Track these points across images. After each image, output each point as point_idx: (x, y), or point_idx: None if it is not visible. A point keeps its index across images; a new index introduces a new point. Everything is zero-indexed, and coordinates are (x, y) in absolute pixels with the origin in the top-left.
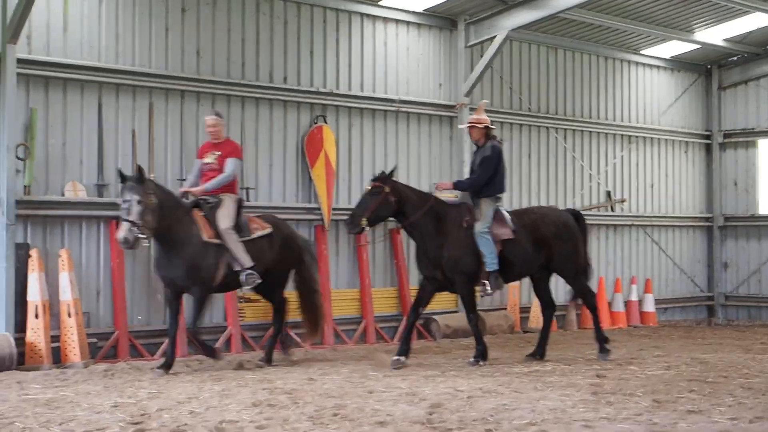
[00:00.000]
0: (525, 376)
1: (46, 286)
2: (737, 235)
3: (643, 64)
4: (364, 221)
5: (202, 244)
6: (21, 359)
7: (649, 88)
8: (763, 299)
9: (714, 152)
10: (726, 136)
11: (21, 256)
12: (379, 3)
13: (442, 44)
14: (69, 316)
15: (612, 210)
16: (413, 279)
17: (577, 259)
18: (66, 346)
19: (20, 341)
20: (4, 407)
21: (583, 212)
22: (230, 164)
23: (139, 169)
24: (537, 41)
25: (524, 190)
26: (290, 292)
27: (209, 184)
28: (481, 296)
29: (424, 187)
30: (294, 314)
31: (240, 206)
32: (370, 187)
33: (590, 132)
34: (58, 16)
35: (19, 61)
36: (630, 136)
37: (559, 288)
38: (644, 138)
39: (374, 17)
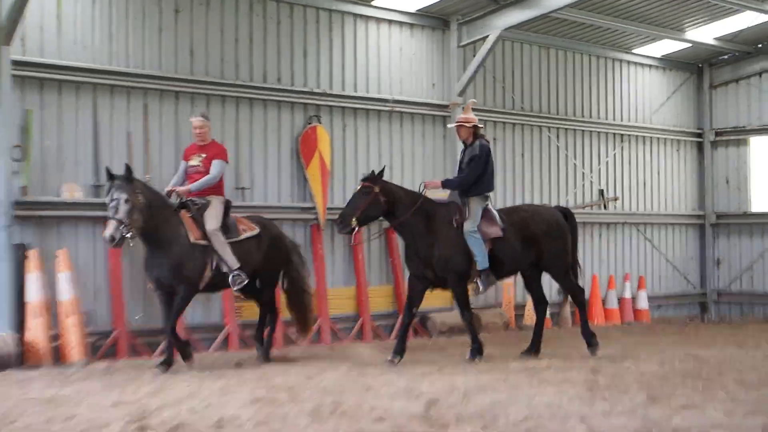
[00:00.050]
0: (521, 372)
1: (45, 286)
2: (729, 233)
3: (635, 63)
4: (354, 221)
5: (189, 244)
6: (21, 359)
7: (640, 87)
8: (755, 296)
9: (706, 150)
10: (717, 134)
11: (19, 256)
12: (372, 3)
13: (435, 44)
14: (68, 315)
15: (605, 208)
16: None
17: (566, 257)
18: (66, 345)
19: (20, 341)
20: (6, 406)
21: (577, 211)
22: (216, 166)
23: (128, 168)
24: (529, 41)
25: (517, 188)
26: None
27: (194, 185)
28: (475, 294)
29: (417, 186)
30: (283, 313)
31: (228, 208)
32: (359, 187)
33: (582, 131)
34: (52, 18)
35: (14, 62)
36: (622, 135)
37: (553, 285)
38: (636, 136)
39: (367, 18)
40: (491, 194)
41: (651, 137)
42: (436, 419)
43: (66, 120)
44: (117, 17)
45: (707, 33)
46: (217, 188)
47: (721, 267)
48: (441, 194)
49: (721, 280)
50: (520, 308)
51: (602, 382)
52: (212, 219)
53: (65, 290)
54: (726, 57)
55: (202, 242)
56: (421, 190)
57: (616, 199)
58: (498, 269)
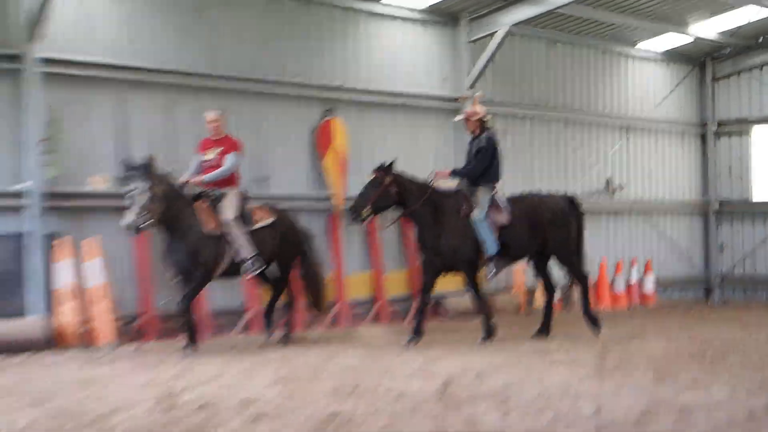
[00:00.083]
0: (532, 353)
1: (75, 272)
2: (732, 219)
3: (640, 57)
4: (365, 211)
5: (205, 233)
6: (54, 341)
7: (645, 80)
8: (757, 279)
9: (708, 141)
10: (720, 125)
11: (50, 245)
12: (385, 1)
13: (446, 40)
14: (98, 300)
15: (612, 196)
16: None
17: (570, 243)
18: (96, 328)
19: (52, 325)
20: (40, 387)
21: (584, 200)
22: (230, 159)
23: (149, 159)
24: (536, 36)
25: (527, 178)
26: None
27: (208, 176)
28: (486, 279)
29: (428, 177)
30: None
31: (243, 198)
32: (371, 177)
33: (589, 123)
34: (77, 17)
35: (41, 60)
36: (628, 127)
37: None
38: (641, 128)
39: (380, 15)
40: (500, 183)
41: (656, 129)
42: (452, 398)
43: (92, 115)
44: (140, 16)
45: (710, 27)
46: (232, 180)
47: (725, 252)
48: (450, 183)
49: (724, 264)
50: (531, 292)
51: (611, 363)
52: (229, 209)
53: (95, 276)
54: (728, 50)
55: (218, 232)
56: (430, 180)
57: (622, 188)
58: (506, 254)
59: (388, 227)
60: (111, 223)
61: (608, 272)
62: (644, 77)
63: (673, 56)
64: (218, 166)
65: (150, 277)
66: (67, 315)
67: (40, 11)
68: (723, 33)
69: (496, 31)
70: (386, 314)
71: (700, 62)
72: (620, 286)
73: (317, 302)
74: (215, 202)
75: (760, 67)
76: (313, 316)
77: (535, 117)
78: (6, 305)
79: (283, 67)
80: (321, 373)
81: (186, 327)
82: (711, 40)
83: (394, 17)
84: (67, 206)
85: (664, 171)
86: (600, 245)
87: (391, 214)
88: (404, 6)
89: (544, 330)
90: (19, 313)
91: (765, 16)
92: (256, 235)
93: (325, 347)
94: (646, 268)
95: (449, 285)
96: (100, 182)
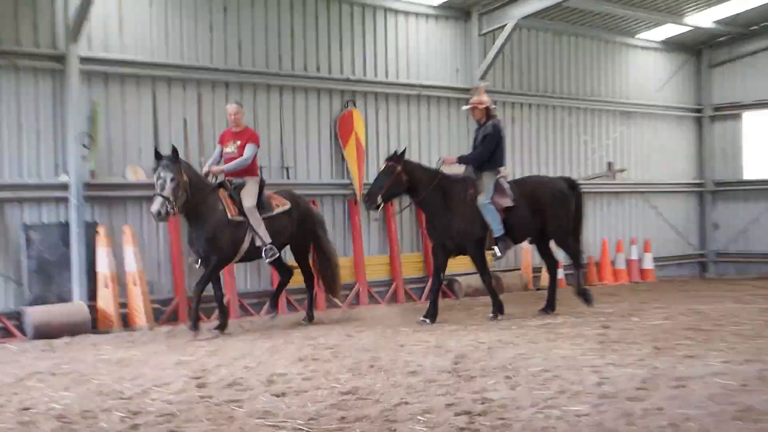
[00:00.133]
0: (539, 329)
1: (113, 259)
2: (726, 199)
3: (640, 47)
4: (379, 198)
5: (226, 220)
6: (93, 324)
7: (645, 68)
8: (750, 255)
9: (704, 125)
10: (715, 109)
11: (90, 233)
12: None
13: (458, 33)
14: (134, 284)
15: (613, 178)
16: None
17: (568, 223)
18: (132, 311)
19: (92, 308)
20: (82, 366)
21: (587, 181)
22: (248, 149)
23: (174, 150)
24: (543, 28)
25: (534, 162)
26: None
27: (228, 166)
28: (494, 259)
29: (436, 162)
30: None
31: (262, 186)
32: (384, 167)
33: (592, 109)
34: (114, 18)
35: (81, 59)
36: (629, 112)
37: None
38: (641, 113)
39: (396, 11)
40: (508, 167)
41: (655, 114)
42: (464, 372)
43: (128, 109)
44: (172, 16)
45: (706, 17)
46: (251, 169)
47: (719, 230)
48: (457, 169)
49: (719, 241)
50: (537, 271)
51: (612, 336)
52: (249, 197)
53: (131, 262)
54: (723, 39)
55: (239, 218)
56: (439, 165)
57: (623, 170)
58: (511, 235)
59: (400, 213)
60: (146, 212)
61: (610, 250)
62: (644, 65)
63: (672, 45)
64: (238, 156)
65: (182, 263)
66: (106, 299)
67: (80, 14)
68: (719, 22)
69: (505, 25)
70: (403, 294)
71: (697, 50)
72: (621, 264)
73: (331, 287)
74: (236, 190)
75: (753, 53)
76: (329, 298)
77: (541, 104)
78: (52, 291)
79: (306, 61)
80: (341, 350)
81: (193, 311)
82: (707, 29)
83: (409, 13)
84: (107, 196)
85: (661, 154)
86: (602, 225)
87: (404, 200)
88: (419, 2)
89: (550, 306)
90: (63, 297)
91: (758, 5)
92: (273, 221)
93: (345, 326)
94: (645, 246)
95: (461, 266)
96: (136, 173)
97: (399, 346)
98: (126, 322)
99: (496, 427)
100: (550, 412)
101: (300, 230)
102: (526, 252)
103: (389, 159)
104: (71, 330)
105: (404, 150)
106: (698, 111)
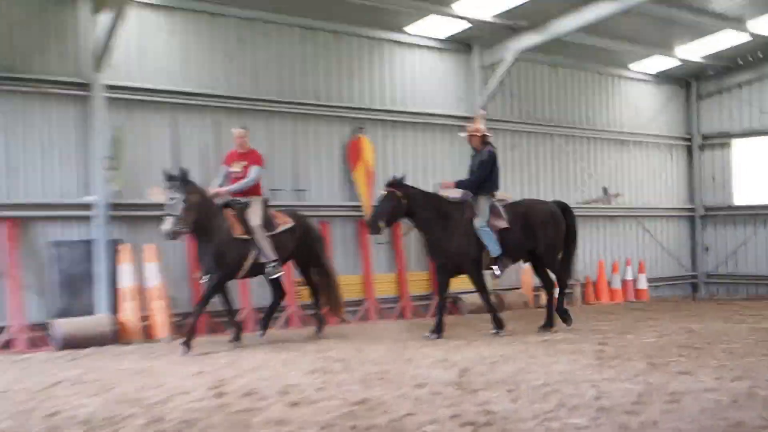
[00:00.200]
0: (538, 345)
1: (136, 274)
2: (716, 223)
3: (632, 79)
4: (381, 223)
5: (232, 238)
6: (116, 336)
7: (637, 99)
8: (739, 277)
9: (694, 153)
10: (704, 138)
11: (114, 250)
12: (407, 31)
13: (460, 65)
14: (155, 299)
15: (609, 203)
16: None
17: (558, 244)
18: (154, 324)
19: (115, 321)
20: (105, 375)
21: (584, 205)
22: (253, 171)
23: (183, 171)
24: (540, 61)
25: (533, 187)
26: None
27: (233, 187)
28: (493, 278)
29: (433, 186)
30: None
31: (266, 205)
32: (384, 192)
33: (588, 137)
34: (137, 49)
35: (105, 86)
36: (622, 141)
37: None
38: (635, 142)
39: (403, 44)
40: (504, 190)
41: (647, 142)
42: (468, 385)
43: (150, 134)
44: (191, 47)
45: (695, 51)
46: (256, 189)
47: (709, 252)
48: (454, 193)
49: (709, 263)
50: (537, 289)
51: (609, 352)
52: (255, 216)
53: (152, 278)
54: (711, 72)
55: (244, 237)
56: (436, 189)
57: (617, 195)
58: (508, 255)
59: (405, 234)
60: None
61: (606, 271)
62: (637, 97)
63: (663, 77)
64: (243, 177)
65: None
66: (129, 312)
67: (105, 45)
68: (707, 56)
69: (504, 58)
70: (410, 310)
71: (687, 82)
72: (617, 284)
73: (332, 303)
74: (242, 209)
75: (740, 86)
76: (331, 314)
77: (539, 132)
78: (77, 304)
79: (317, 90)
80: (352, 363)
81: (190, 326)
82: (696, 63)
83: (415, 46)
84: (129, 215)
85: (654, 180)
86: (598, 247)
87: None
88: (425, 36)
89: (549, 323)
90: (88, 310)
91: (743, 41)
92: (277, 239)
93: (355, 340)
94: (640, 267)
95: (465, 285)
96: (157, 194)
97: (406, 359)
98: (147, 334)
99: None
100: (551, 425)
101: (303, 247)
102: (527, 272)
103: (389, 185)
104: (95, 341)
105: (403, 176)
106: (688, 140)
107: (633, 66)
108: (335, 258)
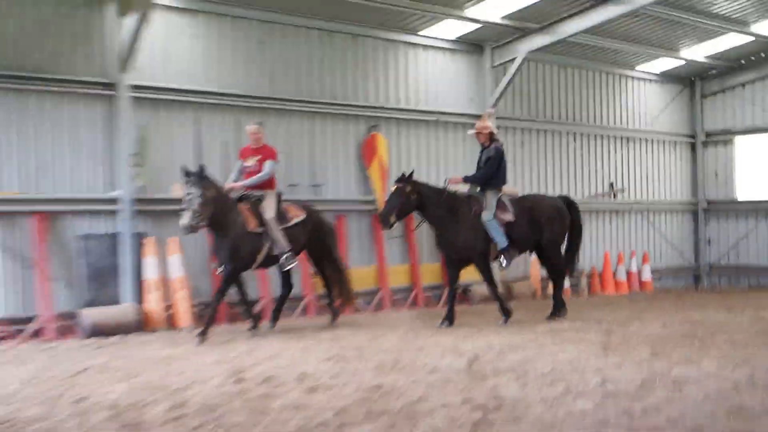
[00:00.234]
0: (546, 334)
1: (160, 266)
2: (718, 217)
3: (638, 78)
4: (392, 218)
5: (246, 231)
6: (141, 325)
7: (642, 98)
8: (740, 268)
9: (698, 149)
10: (708, 135)
11: (139, 243)
12: (420, 33)
13: (472, 65)
14: (178, 289)
15: (614, 198)
16: None
17: (561, 237)
18: (176, 313)
19: (140, 311)
20: (130, 363)
21: (591, 200)
22: (267, 165)
23: (201, 167)
24: (549, 61)
25: (542, 182)
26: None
27: (248, 181)
28: (501, 270)
29: (443, 181)
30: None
31: (279, 199)
32: (394, 188)
33: (595, 135)
34: (161, 50)
35: (131, 87)
36: (628, 138)
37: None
38: (640, 139)
39: (417, 45)
40: (511, 184)
41: (652, 139)
42: (477, 372)
43: (173, 132)
44: (212, 48)
45: (698, 52)
46: (270, 183)
47: (712, 245)
48: (462, 188)
49: (711, 255)
50: (545, 280)
51: (614, 341)
52: (269, 210)
53: (175, 269)
54: (714, 71)
55: (258, 230)
56: (445, 184)
57: (623, 190)
58: (513, 247)
59: (417, 228)
60: None
61: (612, 263)
62: (642, 95)
63: (667, 77)
64: (258, 171)
65: None
66: (153, 302)
67: (130, 47)
68: (710, 57)
69: (515, 58)
70: (422, 300)
71: (691, 82)
72: (622, 275)
73: (343, 294)
74: (256, 203)
75: (742, 85)
76: (342, 305)
77: (548, 130)
78: (104, 294)
79: (334, 90)
80: (366, 351)
81: (209, 317)
82: (700, 63)
83: (428, 47)
84: (153, 210)
85: (659, 176)
86: (604, 239)
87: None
88: (437, 37)
89: (555, 313)
90: (114, 300)
91: (745, 42)
92: (290, 231)
93: (369, 329)
94: (644, 259)
95: (475, 275)
96: (179, 190)
97: (419, 347)
98: (170, 323)
99: (508, 421)
100: (558, 409)
101: (315, 239)
102: (535, 263)
103: (399, 180)
104: (121, 330)
105: (412, 171)
106: (692, 137)
107: (639, 66)
108: (351, 250)
